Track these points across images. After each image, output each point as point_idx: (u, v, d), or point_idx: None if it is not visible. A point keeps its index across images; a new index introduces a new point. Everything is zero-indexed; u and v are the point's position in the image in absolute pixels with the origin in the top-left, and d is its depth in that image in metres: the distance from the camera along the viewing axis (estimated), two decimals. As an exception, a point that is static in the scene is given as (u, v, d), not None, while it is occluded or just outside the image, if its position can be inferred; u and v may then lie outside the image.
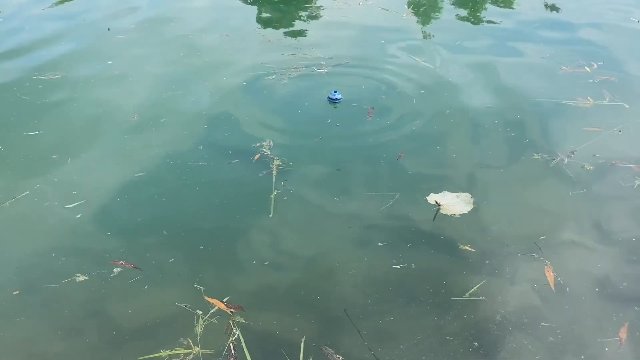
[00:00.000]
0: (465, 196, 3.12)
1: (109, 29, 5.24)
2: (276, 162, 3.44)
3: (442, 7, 6.02)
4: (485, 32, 5.34)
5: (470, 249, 2.80)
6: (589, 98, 4.12)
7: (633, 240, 2.88)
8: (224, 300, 2.53)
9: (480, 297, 2.57)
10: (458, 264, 2.74)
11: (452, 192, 3.16)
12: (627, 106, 4.04)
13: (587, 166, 3.38)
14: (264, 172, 3.37)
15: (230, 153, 3.53)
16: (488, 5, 6.00)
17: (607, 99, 4.13)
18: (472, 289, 2.60)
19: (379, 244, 2.83)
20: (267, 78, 4.42)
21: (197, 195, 3.19)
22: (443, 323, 2.45)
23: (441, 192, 3.16)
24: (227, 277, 2.66)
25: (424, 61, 4.61)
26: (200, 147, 3.58)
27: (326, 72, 4.51)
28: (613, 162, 3.43)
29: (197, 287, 2.59)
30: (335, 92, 4.07)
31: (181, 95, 4.20)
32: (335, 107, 4.04)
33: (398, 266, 2.71)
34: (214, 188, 3.25)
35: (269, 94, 4.22)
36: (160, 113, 3.96)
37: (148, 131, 3.77)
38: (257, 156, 3.50)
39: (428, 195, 3.13)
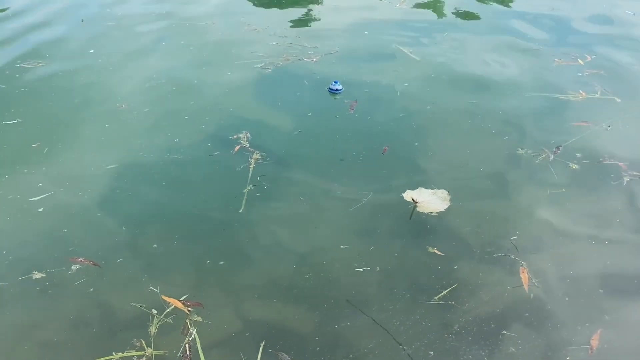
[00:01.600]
0: (442, 193, 3.02)
1: (82, 20, 5.11)
2: (255, 156, 3.34)
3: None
4: (478, 24, 5.19)
5: (440, 253, 2.68)
6: (580, 92, 4.00)
7: (613, 243, 2.77)
8: (182, 299, 2.45)
9: (450, 302, 2.46)
10: (429, 266, 2.64)
11: (429, 188, 3.05)
12: (619, 100, 3.91)
13: (573, 165, 3.26)
14: (242, 165, 3.27)
15: (209, 146, 3.44)
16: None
17: (599, 93, 3.99)
18: (442, 293, 2.50)
19: (341, 246, 2.72)
20: (255, 67, 4.31)
21: (166, 191, 3.09)
22: (402, 329, 2.35)
23: (417, 188, 3.05)
24: (185, 276, 2.58)
25: (411, 52, 4.48)
26: (176, 140, 3.48)
27: (315, 62, 4.40)
28: (600, 160, 3.31)
29: (154, 286, 2.51)
30: (335, 82, 3.97)
31: (163, 84, 4.10)
32: (335, 98, 3.93)
33: (361, 269, 2.60)
34: (184, 183, 3.16)
35: (254, 84, 4.11)
36: (143, 103, 3.87)
37: (129, 122, 3.68)
38: (237, 148, 3.41)
39: (404, 192, 3.02)
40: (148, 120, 3.68)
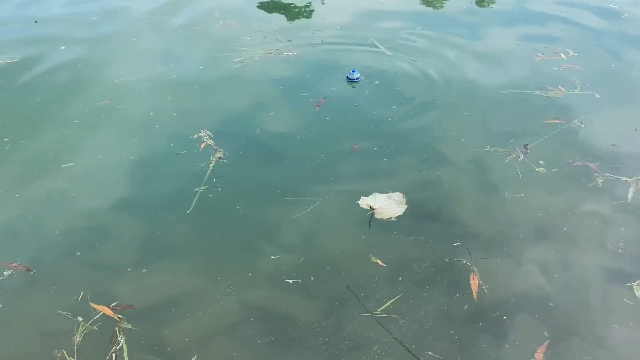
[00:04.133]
0: (397, 196, 2.90)
1: (35, 22, 5.03)
2: (218, 155, 3.26)
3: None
4: (462, 18, 5.01)
5: (382, 264, 2.54)
6: (560, 87, 3.84)
7: (567, 249, 2.63)
8: (112, 306, 2.37)
9: (392, 315, 2.34)
10: (372, 276, 2.50)
11: (383, 192, 2.93)
12: (598, 95, 3.75)
13: (539, 169, 3.10)
14: (202, 164, 3.19)
15: (172, 146, 3.35)
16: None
17: (579, 88, 3.83)
18: (385, 304, 2.38)
19: (272, 257, 2.60)
20: (234, 61, 4.22)
21: (118, 192, 3.02)
22: (342, 345, 2.23)
23: (371, 194, 2.92)
24: (119, 282, 2.49)
25: (386, 48, 4.34)
26: (134, 140, 3.42)
27: (295, 55, 4.31)
28: (570, 162, 3.15)
29: (86, 293, 2.43)
30: (353, 71, 3.90)
31: (134, 81, 4.04)
32: (353, 87, 3.87)
33: (290, 281, 2.49)
34: (140, 182, 3.09)
35: (227, 80, 4.03)
36: (115, 99, 3.81)
37: (94, 119, 3.62)
38: (202, 145, 3.33)
39: (359, 200, 2.90)
40: (116, 117, 3.63)
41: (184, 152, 3.29)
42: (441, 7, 5.28)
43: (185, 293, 2.44)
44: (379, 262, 2.55)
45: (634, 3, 5.19)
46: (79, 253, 2.63)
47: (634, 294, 2.43)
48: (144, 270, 2.54)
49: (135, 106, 3.75)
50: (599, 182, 3.00)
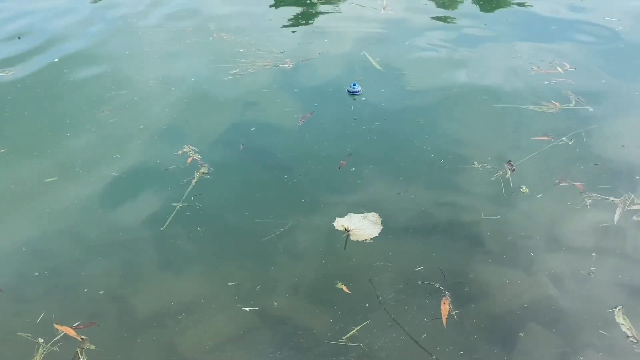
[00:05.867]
0: (373, 216, 2.84)
1: (19, 38, 5.01)
2: (202, 170, 3.24)
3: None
4: (457, 30, 4.90)
5: (347, 291, 2.48)
6: (554, 102, 3.74)
7: (539, 276, 2.53)
8: (74, 325, 2.35)
9: (357, 344, 2.28)
10: (337, 303, 2.43)
11: (359, 213, 2.87)
12: (591, 109, 3.64)
13: (524, 189, 3.01)
14: (185, 180, 3.17)
15: (158, 162, 3.33)
16: (467, 3, 5.55)
17: (574, 103, 3.73)
18: (351, 332, 2.31)
19: (229, 283, 2.55)
20: (230, 73, 4.22)
21: (98, 205, 3.02)
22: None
23: (347, 214, 2.86)
24: (84, 302, 2.48)
25: (377, 62, 4.28)
26: (117, 156, 3.40)
27: (291, 67, 4.28)
28: (556, 182, 3.05)
29: (49, 313, 2.42)
30: (354, 84, 3.86)
31: (125, 95, 4.04)
32: (354, 99, 3.83)
33: (247, 309, 2.43)
34: (122, 195, 3.08)
35: (219, 92, 4.03)
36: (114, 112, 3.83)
37: (84, 132, 3.63)
38: (189, 160, 3.32)
39: (334, 221, 2.84)
40: (104, 130, 3.65)
41: (172, 167, 3.27)
42: (439, 19, 5.20)
43: (154, 314, 2.42)
44: (344, 288, 2.49)
45: (630, 20, 5.02)
46: (37, 273, 2.62)
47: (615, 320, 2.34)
48: (101, 292, 2.53)
49: (127, 118, 3.75)
50: (587, 203, 2.90)
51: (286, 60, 4.38)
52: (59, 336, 2.32)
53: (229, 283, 2.54)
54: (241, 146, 3.43)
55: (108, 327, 2.37)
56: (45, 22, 5.29)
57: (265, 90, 3.99)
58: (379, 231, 2.77)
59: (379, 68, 4.20)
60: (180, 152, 3.40)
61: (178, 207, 2.97)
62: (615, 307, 2.39)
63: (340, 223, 2.80)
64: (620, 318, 2.36)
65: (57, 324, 2.37)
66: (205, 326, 2.36)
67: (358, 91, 3.85)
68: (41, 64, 4.49)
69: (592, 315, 2.36)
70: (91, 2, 5.77)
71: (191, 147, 3.42)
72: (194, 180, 3.16)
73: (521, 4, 5.40)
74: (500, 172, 3.13)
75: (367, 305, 2.42)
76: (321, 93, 3.95)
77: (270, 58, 4.41)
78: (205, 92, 4.02)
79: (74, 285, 2.56)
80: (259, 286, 2.52)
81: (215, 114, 3.78)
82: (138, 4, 5.62)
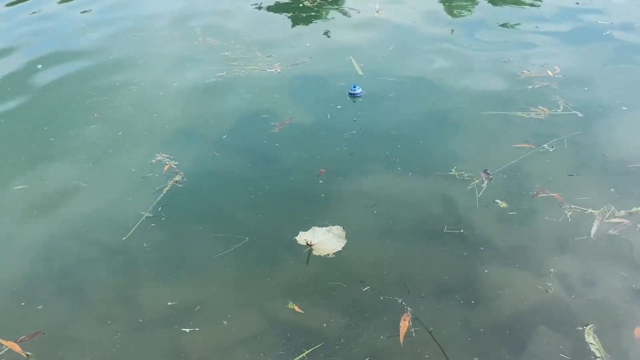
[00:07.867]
0: (337, 229, 2.74)
1: None
2: (176, 178, 3.18)
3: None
4: (446, 35, 4.78)
5: (300, 311, 2.37)
6: (542, 107, 3.61)
7: (499, 292, 2.42)
8: (18, 340, 2.30)
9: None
10: (290, 323, 2.34)
11: (322, 226, 2.78)
12: (580, 115, 3.50)
13: (501, 203, 2.89)
14: (157, 188, 3.12)
15: (133, 171, 3.28)
16: (464, 9, 5.43)
17: (562, 107, 3.60)
18: (301, 355, 2.21)
19: (168, 303, 2.44)
20: (216, 75, 4.18)
21: (65, 215, 2.98)
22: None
23: (310, 228, 2.77)
24: (33, 316, 2.42)
25: (361, 67, 4.18)
26: (90, 164, 3.35)
27: (279, 72, 4.21)
28: (532, 193, 2.92)
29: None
30: (354, 87, 3.80)
31: (106, 101, 4.01)
32: (354, 102, 3.77)
33: (187, 330, 2.32)
34: (86, 205, 3.03)
35: (201, 94, 3.99)
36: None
37: (61, 138, 3.62)
38: (166, 167, 3.27)
39: (297, 235, 2.74)
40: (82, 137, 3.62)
41: (150, 174, 3.22)
42: (428, 22, 5.07)
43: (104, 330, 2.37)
44: (296, 308, 2.39)
45: (622, 24, 4.85)
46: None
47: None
48: (40, 307, 2.48)
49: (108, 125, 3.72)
50: (568, 216, 2.77)
51: (274, 64, 4.31)
52: (3, 351, 2.26)
53: (169, 303, 2.45)
54: (216, 153, 3.36)
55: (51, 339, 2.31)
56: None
57: (248, 96, 3.92)
58: (342, 245, 2.67)
59: (361, 74, 4.10)
60: (154, 160, 3.34)
61: (144, 217, 2.91)
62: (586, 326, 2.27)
63: (303, 237, 2.70)
64: (590, 337, 2.23)
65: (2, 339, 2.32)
66: (137, 348, 2.28)
67: (359, 93, 3.77)
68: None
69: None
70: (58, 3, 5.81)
71: (165, 154, 3.36)
72: (166, 189, 3.10)
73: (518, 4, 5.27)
74: (477, 181, 3.02)
75: (325, 325, 2.33)
76: (303, 99, 3.87)
77: (259, 62, 4.34)
78: (189, 97, 3.97)
79: (30, 297, 2.53)
80: (198, 307, 2.43)
81: (197, 120, 3.73)
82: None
